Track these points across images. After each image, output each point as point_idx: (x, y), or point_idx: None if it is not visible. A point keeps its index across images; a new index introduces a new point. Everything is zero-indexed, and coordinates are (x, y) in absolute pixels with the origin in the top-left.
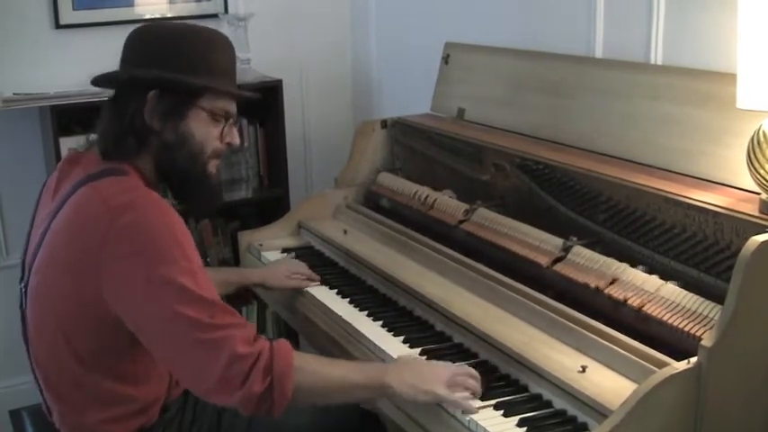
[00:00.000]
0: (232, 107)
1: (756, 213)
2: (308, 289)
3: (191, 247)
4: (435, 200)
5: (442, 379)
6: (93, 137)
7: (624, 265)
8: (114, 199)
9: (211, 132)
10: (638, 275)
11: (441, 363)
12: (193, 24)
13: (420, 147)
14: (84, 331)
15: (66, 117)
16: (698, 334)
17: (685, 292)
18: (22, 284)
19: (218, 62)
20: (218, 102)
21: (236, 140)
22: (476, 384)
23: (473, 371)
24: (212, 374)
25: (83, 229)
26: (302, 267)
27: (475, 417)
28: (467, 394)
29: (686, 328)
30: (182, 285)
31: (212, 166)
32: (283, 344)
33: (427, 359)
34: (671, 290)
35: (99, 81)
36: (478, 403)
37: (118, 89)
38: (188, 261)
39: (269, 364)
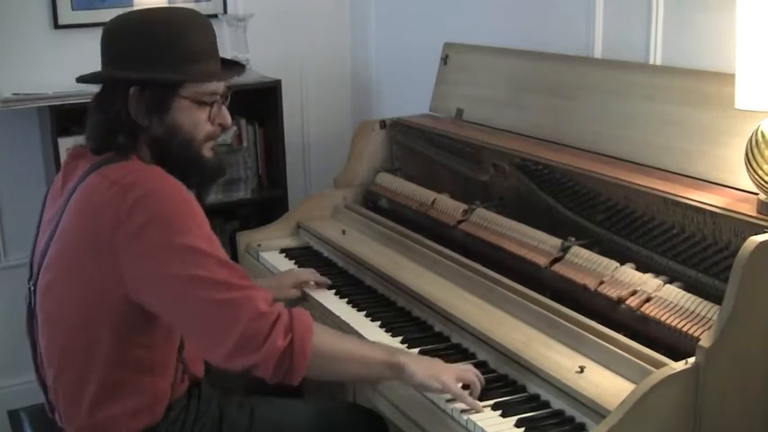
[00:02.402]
0: (218, 86)
1: (754, 214)
2: (307, 289)
3: (202, 215)
4: (434, 200)
5: (453, 372)
6: None
7: (622, 266)
8: (123, 179)
9: (200, 117)
10: (636, 276)
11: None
12: (166, 9)
13: (419, 147)
14: (104, 319)
15: (66, 117)
16: (696, 334)
17: (683, 292)
18: (31, 283)
19: (192, 46)
20: (201, 86)
21: (228, 120)
22: (479, 385)
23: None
24: (233, 333)
25: (95, 212)
26: (309, 275)
27: (473, 417)
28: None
29: (684, 329)
30: (199, 249)
31: (207, 149)
32: (302, 310)
33: None
34: (669, 290)
35: (84, 79)
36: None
37: (103, 85)
38: (201, 228)
39: (289, 323)
